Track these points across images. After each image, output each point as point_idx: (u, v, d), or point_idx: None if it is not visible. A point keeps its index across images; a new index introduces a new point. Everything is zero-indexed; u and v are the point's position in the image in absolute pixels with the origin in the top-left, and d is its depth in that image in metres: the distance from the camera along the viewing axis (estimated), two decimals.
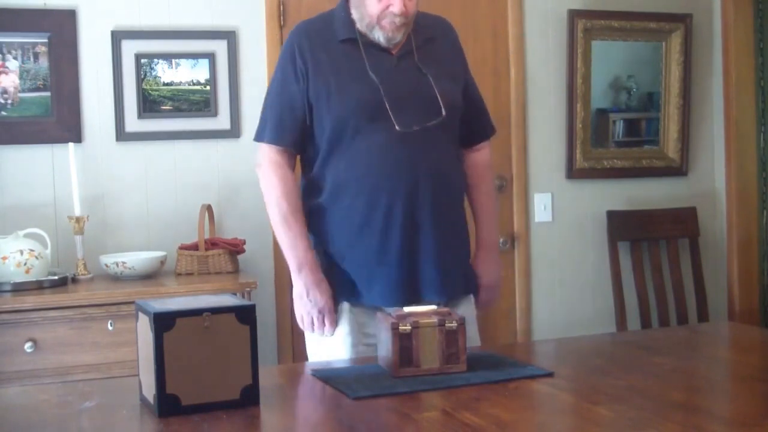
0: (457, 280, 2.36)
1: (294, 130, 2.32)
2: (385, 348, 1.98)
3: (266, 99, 2.39)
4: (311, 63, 2.27)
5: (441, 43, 2.39)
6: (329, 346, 2.33)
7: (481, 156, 2.51)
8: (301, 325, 2.38)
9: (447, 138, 2.34)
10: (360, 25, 2.26)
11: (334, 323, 2.31)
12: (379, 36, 2.24)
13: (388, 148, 2.25)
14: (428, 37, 2.35)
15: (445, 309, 2.01)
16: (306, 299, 2.31)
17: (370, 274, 2.28)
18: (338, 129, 2.27)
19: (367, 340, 2.28)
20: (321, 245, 2.36)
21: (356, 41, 2.26)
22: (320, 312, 2.30)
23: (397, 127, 2.21)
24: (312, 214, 2.35)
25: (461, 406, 1.74)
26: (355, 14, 2.26)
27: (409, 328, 1.93)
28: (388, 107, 2.21)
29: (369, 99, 2.23)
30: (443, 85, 2.30)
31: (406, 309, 2.00)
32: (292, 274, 2.35)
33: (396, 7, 2.18)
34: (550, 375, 1.92)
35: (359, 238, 2.28)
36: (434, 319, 1.95)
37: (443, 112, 2.26)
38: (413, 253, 2.27)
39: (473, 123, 2.46)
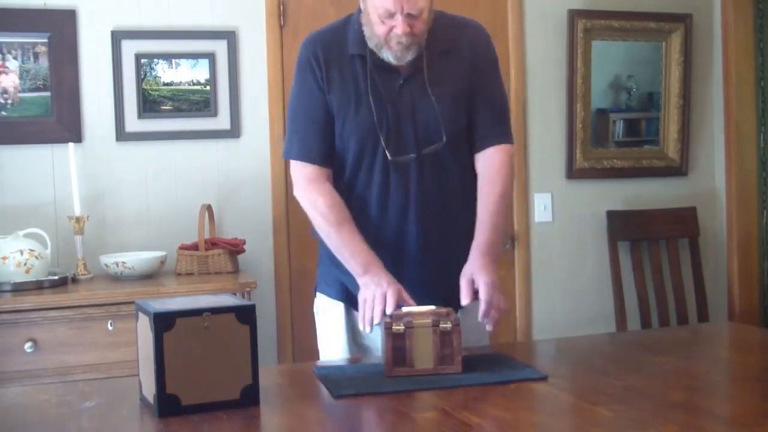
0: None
1: (322, 143, 2.24)
2: (381, 348, 1.99)
3: (289, 113, 2.30)
4: (326, 76, 2.21)
5: (456, 55, 2.26)
6: (325, 345, 2.34)
7: (490, 162, 2.27)
8: (361, 318, 2.11)
9: (453, 157, 2.24)
10: (370, 44, 2.18)
11: (395, 303, 2.05)
12: (388, 56, 2.16)
13: (383, 177, 2.21)
14: (444, 49, 2.24)
15: (444, 309, 1.99)
16: (374, 285, 2.09)
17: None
18: (341, 153, 2.24)
19: (360, 339, 2.28)
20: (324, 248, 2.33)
21: (365, 58, 2.20)
22: (385, 292, 2.06)
23: (389, 157, 2.18)
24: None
25: (461, 405, 1.74)
26: (366, 31, 2.18)
27: (402, 328, 1.93)
28: (381, 137, 2.17)
29: (364, 128, 2.18)
30: (448, 105, 2.21)
31: (405, 309, 2.00)
32: (358, 281, 2.15)
33: (399, 28, 2.10)
34: (544, 379, 1.90)
35: None
36: (429, 320, 1.94)
37: (444, 138, 2.19)
38: (400, 281, 2.15)
39: (480, 129, 2.29)
